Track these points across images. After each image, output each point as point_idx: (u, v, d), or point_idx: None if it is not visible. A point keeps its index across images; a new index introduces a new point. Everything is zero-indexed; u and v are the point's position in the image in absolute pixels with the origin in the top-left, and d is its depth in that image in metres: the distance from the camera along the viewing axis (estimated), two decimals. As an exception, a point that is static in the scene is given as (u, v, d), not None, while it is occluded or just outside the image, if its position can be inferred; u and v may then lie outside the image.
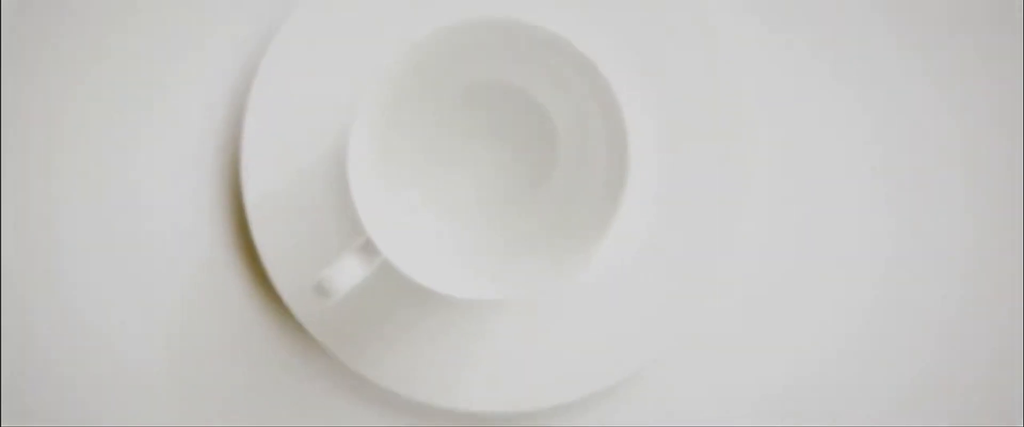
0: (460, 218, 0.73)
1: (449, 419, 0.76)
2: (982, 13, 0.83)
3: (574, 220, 0.71)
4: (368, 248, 0.67)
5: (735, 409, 0.78)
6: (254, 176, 0.74)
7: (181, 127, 0.78)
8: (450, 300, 0.73)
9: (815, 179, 0.81)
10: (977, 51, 0.82)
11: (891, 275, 0.85)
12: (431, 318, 0.74)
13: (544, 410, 0.75)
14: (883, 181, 0.81)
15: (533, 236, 0.72)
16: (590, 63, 0.67)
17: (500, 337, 0.75)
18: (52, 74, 0.82)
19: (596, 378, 0.74)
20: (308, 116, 0.74)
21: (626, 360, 0.74)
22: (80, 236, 0.80)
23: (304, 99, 0.74)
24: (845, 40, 0.81)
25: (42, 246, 0.82)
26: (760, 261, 0.79)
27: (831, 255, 0.84)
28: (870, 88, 0.81)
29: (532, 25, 0.68)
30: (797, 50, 0.79)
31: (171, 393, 0.79)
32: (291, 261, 0.74)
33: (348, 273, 0.67)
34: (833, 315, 0.85)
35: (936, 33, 0.83)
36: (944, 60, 0.80)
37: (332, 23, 0.75)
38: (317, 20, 0.74)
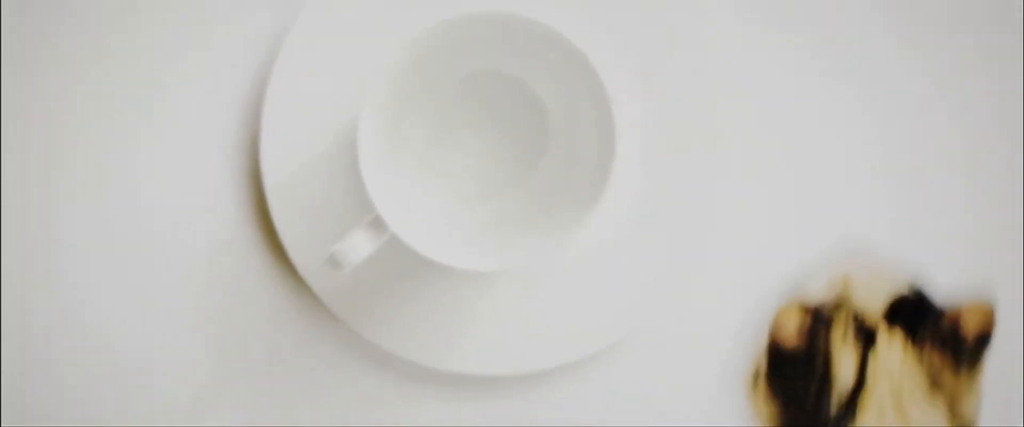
0: (460, 197, 0.76)
1: (449, 381, 0.78)
2: (982, 13, 0.84)
3: (563, 200, 0.73)
4: (376, 224, 0.70)
5: (708, 377, 0.80)
6: (272, 163, 0.76)
7: (205, 121, 0.80)
8: (450, 271, 0.75)
9: (815, 175, 0.81)
10: (977, 51, 0.83)
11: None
12: (433, 288, 0.76)
13: (538, 373, 0.77)
14: (883, 181, 0.81)
15: (526, 214, 0.75)
16: (581, 55, 0.70)
17: (495, 306, 0.77)
18: (89, 67, 0.82)
19: (584, 344, 0.76)
20: (320, 107, 0.77)
21: (611, 329, 0.76)
22: (111, 223, 0.81)
23: (316, 92, 0.77)
24: (845, 40, 0.82)
25: (73, 232, 0.82)
26: (737, 240, 0.80)
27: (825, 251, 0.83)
28: (870, 88, 0.82)
29: (528, 19, 0.71)
30: (798, 49, 0.81)
31: (198, 360, 0.80)
32: (306, 238, 0.76)
33: (358, 247, 0.70)
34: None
35: (936, 33, 0.83)
36: (944, 60, 0.81)
37: (340, 21, 0.77)
38: (326, 19, 0.77)
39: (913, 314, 0.74)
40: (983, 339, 0.74)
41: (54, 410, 0.85)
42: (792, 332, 0.74)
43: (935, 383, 0.73)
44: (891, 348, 0.73)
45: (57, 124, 0.83)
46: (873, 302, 0.75)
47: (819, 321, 0.73)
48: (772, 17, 0.83)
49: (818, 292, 0.76)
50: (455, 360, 0.77)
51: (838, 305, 0.74)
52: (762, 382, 0.75)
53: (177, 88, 0.81)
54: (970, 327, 0.74)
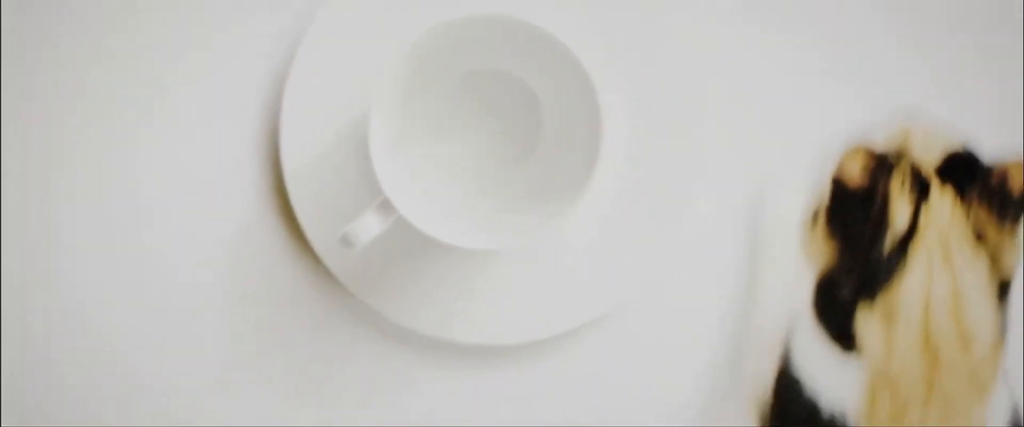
0: (461, 182, 0.78)
1: (452, 350, 0.81)
2: (982, 13, 0.84)
3: (556, 185, 0.76)
4: (385, 206, 0.73)
5: (690, 348, 0.82)
6: (290, 151, 0.79)
7: (230, 113, 0.82)
8: (453, 250, 0.77)
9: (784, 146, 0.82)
10: (977, 51, 0.84)
11: None
12: (437, 265, 0.79)
13: (535, 342, 0.80)
14: None
15: (521, 197, 0.78)
16: (572, 55, 0.73)
17: (493, 281, 0.80)
18: (121, 61, 0.83)
19: (577, 316, 0.79)
20: (335, 101, 0.79)
21: (601, 301, 0.79)
22: (141, 205, 0.83)
23: (331, 87, 0.80)
24: (846, 39, 0.83)
25: (104, 215, 0.83)
26: (713, 224, 0.82)
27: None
28: (870, 88, 0.83)
29: (524, 22, 0.74)
30: (799, 49, 0.83)
31: (222, 333, 0.82)
32: (322, 220, 0.79)
33: (369, 227, 0.73)
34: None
35: (936, 33, 0.83)
36: (944, 60, 0.81)
37: (352, 22, 0.80)
38: (339, 21, 0.80)
39: (964, 170, 0.76)
40: None
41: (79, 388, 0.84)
42: (857, 172, 0.75)
43: (980, 236, 0.75)
44: (942, 201, 0.75)
45: (96, 113, 0.84)
46: (929, 156, 0.76)
47: (882, 166, 0.75)
48: (773, 17, 0.83)
49: (880, 143, 0.77)
50: (458, 331, 0.79)
51: (899, 155, 0.76)
52: (821, 221, 0.77)
53: (203, 84, 0.83)
54: (1016, 183, 0.75)
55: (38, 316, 0.84)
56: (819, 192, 0.76)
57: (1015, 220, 0.75)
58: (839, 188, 0.75)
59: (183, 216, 0.83)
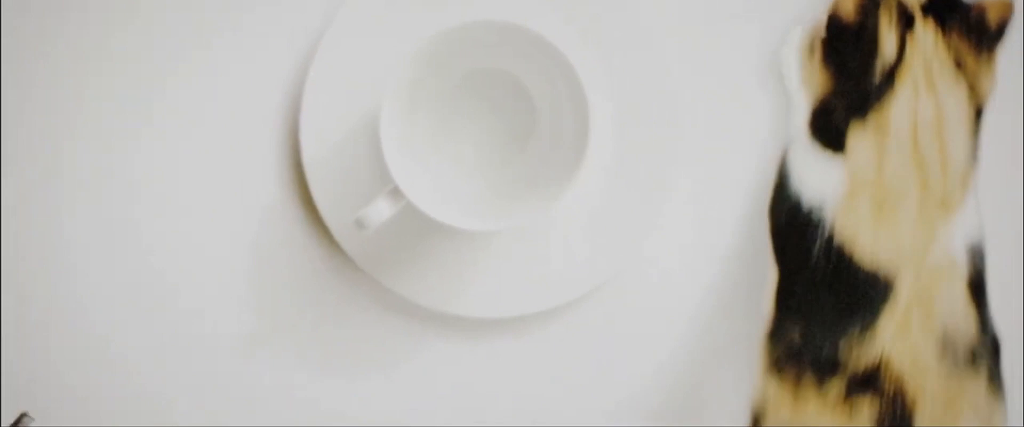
0: (463, 170, 0.81)
1: (455, 323, 0.83)
2: None
3: (548, 172, 0.79)
4: (395, 193, 0.75)
5: (674, 314, 0.84)
6: (310, 141, 0.82)
7: (254, 105, 0.84)
8: (456, 232, 0.81)
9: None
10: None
11: None
12: (442, 246, 0.82)
13: (528, 315, 0.83)
14: None
15: (517, 183, 0.80)
16: (562, 55, 0.76)
17: (492, 259, 0.83)
18: (148, 50, 0.84)
19: (569, 290, 0.82)
20: (349, 96, 0.82)
21: (591, 276, 0.82)
22: (169, 192, 0.84)
23: (346, 84, 0.82)
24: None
25: (134, 199, 0.84)
26: (691, 204, 0.84)
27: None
28: None
29: (519, 26, 0.76)
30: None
31: (245, 309, 0.83)
32: (337, 204, 0.81)
33: (380, 211, 0.76)
34: None
35: None
36: None
37: (366, 25, 0.82)
38: (355, 22, 0.81)
39: (945, 5, 0.78)
40: (1002, 27, 0.78)
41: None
42: (850, 8, 0.77)
43: (959, 65, 0.77)
44: (925, 32, 0.77)
45: (122, 106, 0.84)
46: None
47: (873, 2, 0.78)
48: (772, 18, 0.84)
49: None
50: (461, 305, 0.82)
51: None
52: (818, 53, 0.79)
53: (230, 76, 0.85)
54: (993, 17, 0.77)
55: (77, 305, 0.84)
56: (816, 27, 0.79)
57: (991, 50, 0.78)
58: (834, 22, 0.78)
59: (211, 201, 0.84)
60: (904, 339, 0.75)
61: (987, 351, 0.77)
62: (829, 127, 0.77)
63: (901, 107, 0.76)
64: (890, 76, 0.77)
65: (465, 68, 0.81)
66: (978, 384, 0.76)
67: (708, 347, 0.83)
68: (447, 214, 0.77)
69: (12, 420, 0.75)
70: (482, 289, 0.83)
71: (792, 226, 0.77)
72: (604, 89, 0.82)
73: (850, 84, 0.77)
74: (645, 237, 0.83)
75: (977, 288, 0.77)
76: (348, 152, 0.82)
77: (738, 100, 0.83)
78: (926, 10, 0.77)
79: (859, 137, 0.76)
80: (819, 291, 0.76)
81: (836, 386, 0.75)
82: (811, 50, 0.79)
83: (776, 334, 0.77)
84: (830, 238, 0.76)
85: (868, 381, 0.75)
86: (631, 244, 0.83)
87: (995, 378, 0.76)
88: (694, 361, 0.83)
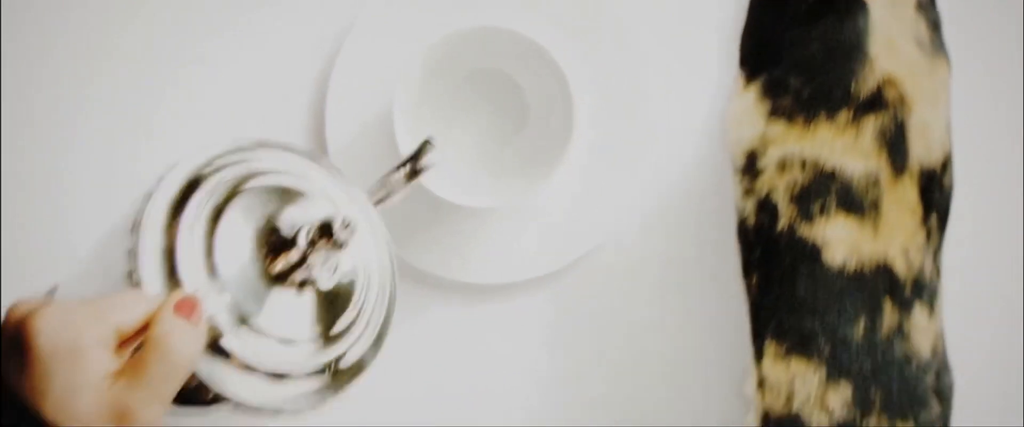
0: (464, 155, 0.84)
1: (460, 288, 0.86)
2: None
3: (538, 157, 0.82)
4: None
5: (654, 279, 0.86)
6: (334, 132, 0.85)
7: (286, 100, 0.86)
8: (460, 209, 0.82)
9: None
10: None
11: None
12: (447, 221, 0.85)
13: (519, 282, 0.85)
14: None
15: (512, 166, 0.84)
16: (550, 56, 0.80)
17: (493, 232, 0.85)
18: (182, 46, 0.86)
19: (556, 259, 0.85)
20: (367, 93, 0.84)
21: (575, 247, 0.85)
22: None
23: (365, 81, 0.84)
24: None
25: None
26: (662, 182, 0.86)
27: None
28: None
29: (514, 31, 0.80)
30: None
31: None
32: (358, 185, 0.79)
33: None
34: None
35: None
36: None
37: (382, 29, 0.85)
38: (373, 27, 0.85)
39: None
40: None
41: None
42: None
43: None
44: None
45: (169, 87, 0.86)
46: None
47: None
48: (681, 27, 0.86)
49: None
50: (461, 273, 0.85)
51: None
52: None
53: (264, 73, 0.86)
54: None
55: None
56: None
57: None
58: None
59: None
60: (893, 55, 0.75)
61: (937, 22, 0.76)
62: None
63: None
64: None
65: (466, 68, 0.83)
66: (942, 61, 0.76)
67: (679, 307, 0.85)
68: (450, 193, 0.80)
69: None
70: (479, 259, 0.84)
71: None
72: (586, 86, 0.84)
73: None
74: (621, 213, 0.85)
75: None
76: (366, 141, 0.84)
77: (703, 92, 0.86)
78: None
79: None
80: (805, 35, 0.75)
81: (844, 115, 0.74)
82: None
83: (772, 84, 0.75)
84: None
85: (873, 102, 0.74)
86: (609, 220, 0.85)
87: (941, 45, 0.76)
88: (666, 319, 0.85)
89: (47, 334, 0.63)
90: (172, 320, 0.65)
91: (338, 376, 0.71)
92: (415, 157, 0.75)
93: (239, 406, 0.68)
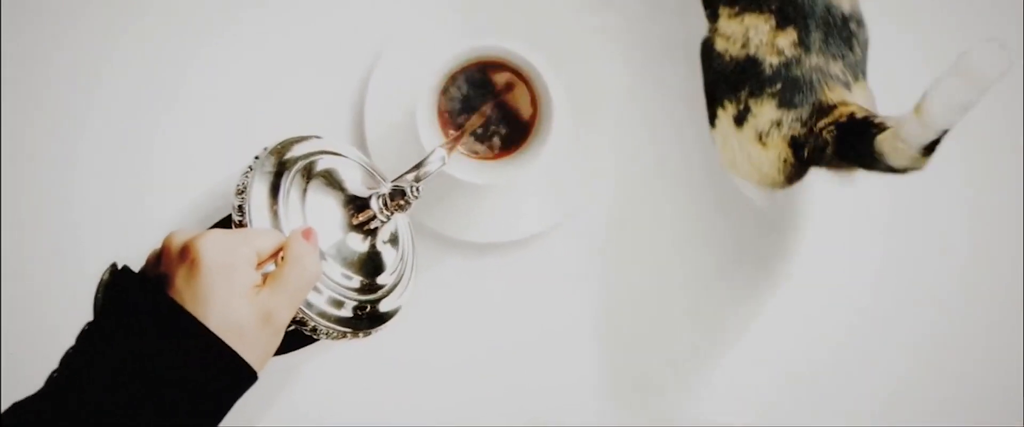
0: (472, 148, 0.94)
1: (465, 246, 0.96)
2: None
3: (528, 145, 0.93)
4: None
5: (620, 238, 0.94)
6: (371, 126, 0.95)
7: (332, 101, 0.95)
8: (467, 184, 0.92)
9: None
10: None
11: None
12: (458, 194, 0.96)
13: (517, 239, 0.96)
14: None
15: (507, 153, 0.94)
16: (535, 67, 0.91)
17: (492, 203, 0.96)
18: (247, 55, 0.94)
19: (541, 222, 0.95)
20: (396, 96, 0.95)
21: (553, 215, 0.95)
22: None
23: (394, 88, 0.95)
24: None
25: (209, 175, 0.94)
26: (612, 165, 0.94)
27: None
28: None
29: (509, 49, 0.91)
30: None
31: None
32: (390, 168, 0.93)
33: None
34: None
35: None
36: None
37: (406, 50, 0.95)
38: (399, 48, 0.95)
39: None
40: None
41: None
42: None
43: None
44: None
45: (223, 87, 0.94)
46: None
47: None
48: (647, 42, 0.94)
49: None
50: (469, 234, 0.96)
51: None
52: None
53: (318, 85, 0.96)
54: None
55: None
56: None
57: None
58: None
59: None
60: None
61: None
62: None
63: None
64: None
65: (474, 77, 0.93)
66: None
67: (644, 260, 0.94)
68: (461, 173, 0.90)
69: (105, 272, 0.73)
70: (482, 223, 0.94)
71: None
72: (562, 92, 0.93)
73: None
74: (589, 189, 0.95)
75: None
76: (396, 133, 0.94)
77: (659, 93, 0.94)
78: None
79: None
80: None
81: None
82: None
83: None
84: None
85: None
86: (580, 194, 0.95)
87: None
88: (632, 274, 0.95)
89: (211, 253, 0.69)
90: (304, 244, 0.73)
91: (374, 316, 0.82)
92: (425, 161, 0.85)
93: (302, 321, 0.76)
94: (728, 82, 0.83)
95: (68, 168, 0.90)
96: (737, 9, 0.83)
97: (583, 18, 0.95)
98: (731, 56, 0.82)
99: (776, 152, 0.81)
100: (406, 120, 0.93)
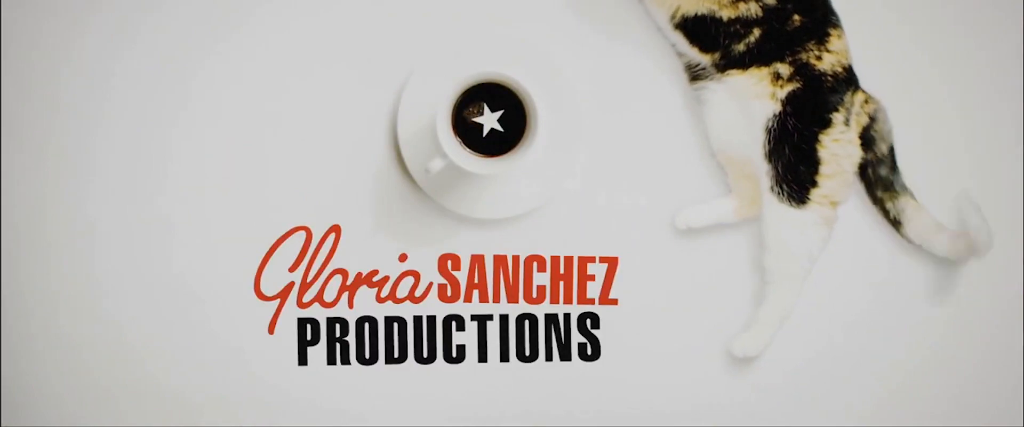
0: (479, 141, 1.10)
1: (473, 221, 1.12)
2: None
3: (521, 144, 1.09)
4: (445, 155, 1.06)
5: (583, 224, 1.10)
6: (404, 127, 1.12)
7: (372, 108, 1.09)
8: (474, 174, 1.09)
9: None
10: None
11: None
12: (467, 181, 1.12)
13: (508, 217, 1.12)
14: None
15: (505, 150, 1.10)
16: (523, 87, 1.07)
17: (499, 187, 1.12)
18: (293, 66, 1.07)
19: (533, 201, 1.12)
20: (422, 106, 1.12)
21: (538, 198, 1.13)
22: (304, 161, 1.05)
23: (421, 99, 1.12)
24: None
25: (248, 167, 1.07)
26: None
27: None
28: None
29: (507, 75, 1.06)
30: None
31: (358, 220, 1.07)
32: (416, 161, 1.12)
33: (437, 164, 1.06)
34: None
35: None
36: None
37: (432, 71, 1.12)
38: (426, 70, 1.11)
39: None
40: None
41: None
42: None
43: None
44: None
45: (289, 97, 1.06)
46: None
47: None
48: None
49: None
50: (476, 211, 1.12)
51: None
52: None
53: (360, 98, 1.10)
54: None
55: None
56: None
57: None
58: None
59: (338, 167, 1.05)
60: None
61: None
62: None
63: None
64: None
65: (485, 91, 1.10)
66: None
67: (614, 233, 1.09)
68: (470, 165, 1.07)
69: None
70: (486, 203, 1.11)
71: None
72: (545, 104, 1.12)
73: None
74: (566, 178, 1.13)
75: None
76: (422, 135, 1.11)
77: (629, 101, 1.09)
78: None
79: None
80: None
81: None
82: None
83: None
84: None
85: None
86: (557, 181, 1.13)
87: None
88: (607, 238, 1.10)
89: None
90: None
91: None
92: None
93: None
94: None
95: (80, 169, 0.92)
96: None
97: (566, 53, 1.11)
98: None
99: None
100: (430, 123, 1.12)
